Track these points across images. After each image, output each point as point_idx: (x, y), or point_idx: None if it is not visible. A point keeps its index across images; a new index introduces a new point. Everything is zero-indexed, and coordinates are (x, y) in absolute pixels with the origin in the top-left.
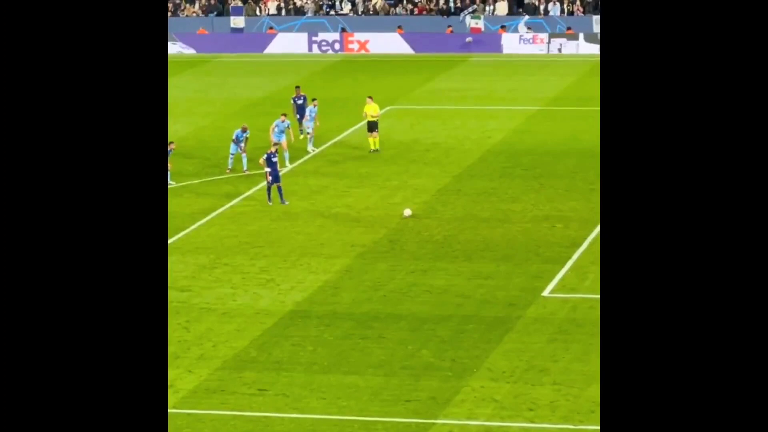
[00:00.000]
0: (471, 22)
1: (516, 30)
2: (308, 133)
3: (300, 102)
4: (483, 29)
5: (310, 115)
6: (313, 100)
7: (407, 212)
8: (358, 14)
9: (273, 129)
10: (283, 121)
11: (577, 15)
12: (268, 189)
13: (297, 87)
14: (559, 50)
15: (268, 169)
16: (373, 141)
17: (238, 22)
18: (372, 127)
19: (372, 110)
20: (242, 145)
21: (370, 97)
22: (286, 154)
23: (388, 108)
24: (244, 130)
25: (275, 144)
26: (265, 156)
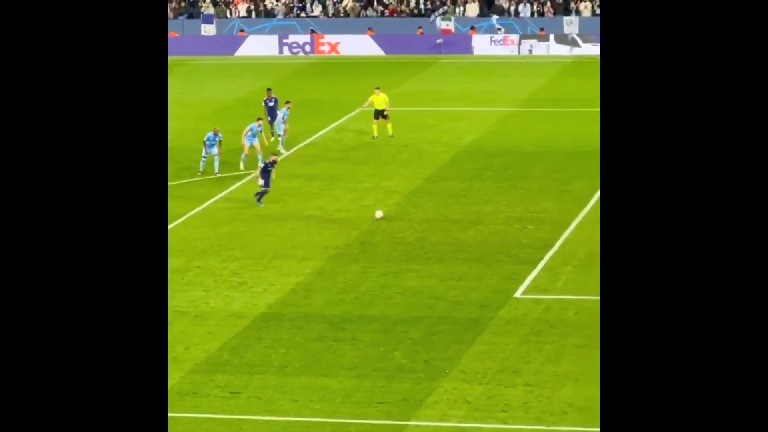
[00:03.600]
0: (441, 24)
1: (487, 31)
2: (279, 135)
3: (271, 104)
4: (453, 31)
5: (282, 118)
6: (287, 102)
7: (379, 214)
8: (328, 16)
9: (246, 132)
10: (258, 126)
11: (548, 16)
12: (261, 194)
13: (268, 89)
14: (530, 51)
15: (261, 181)
16: (377, 127)
17: (209, 30)
18: (378, 114)
19: (379, 102)
20: (215, 148)
21: (377, 88)
22: (259, 156)
23: (359, 110)
24: (215, 134)
25: (248, 147)
26: (262, 166)
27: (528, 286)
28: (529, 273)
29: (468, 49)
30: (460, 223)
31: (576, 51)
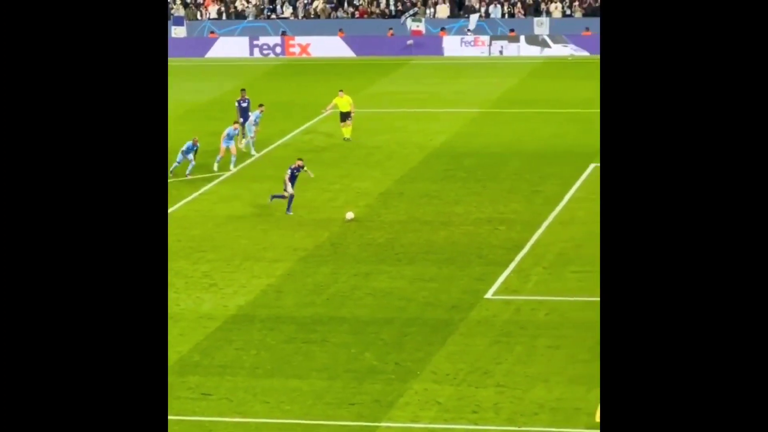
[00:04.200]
0: (412, 25)
1: (457, 32)
2: (250, 137)
3: (244, 105)
4: (424, 32)
5: (254, 120)
6: (260, 105)
7: (350, 215)
8: (299, 18)
9: (224, 136)
10: (235, 129)
11: (518, 17)
12: (290, 201)
13: (242, 90)
14: (501, 52)
15: (291, 189)
16: (346, 130)
17: (179, 31)
18: (344, 117)
19: (343, 104)
20: (191, 155)
21: (341, 91)
22: (233, 158)
23: (330, 111)
24: (194, 143)
25: (224, 149)
26: (289, 172)
27: (498, 287)
28: (499, 274)
29: (438, 50)
30: (431, 225)
31: (546, 52)
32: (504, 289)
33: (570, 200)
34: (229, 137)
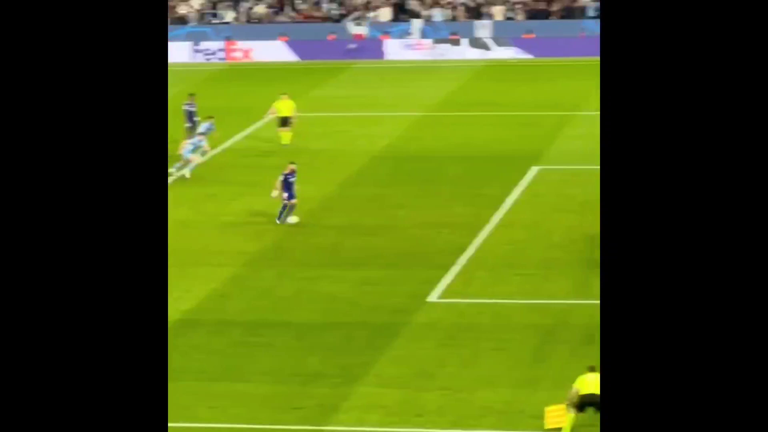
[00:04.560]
0: (354, 29)
1: (399, 36)
2: (198, 146)
3: (192, 109)
4: (366, 36)
5: (207, 129)
6: (210, 117)
7: (292, 219)
8: (241, 22)
9: (187, 145)
10: (200, 140)
11: (461, 20)
12: (284, 209)
13: (191, 95)
14: (443, 56)
15: (285, 194)
16: (285, 135)
17: None
18: (284, 122)
19: (284, 109)
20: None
21: (284, 94)
22: (191, 166)
23: (272, 116)
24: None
25: (184, 161)
26: (282, 178)
27: (443, 291)
28: (443, 277)
29: (381, 54)
30: (375, 228)
31: (488, 55)
32: (448, 292)
33: (512, 203)
34: (194, 147)
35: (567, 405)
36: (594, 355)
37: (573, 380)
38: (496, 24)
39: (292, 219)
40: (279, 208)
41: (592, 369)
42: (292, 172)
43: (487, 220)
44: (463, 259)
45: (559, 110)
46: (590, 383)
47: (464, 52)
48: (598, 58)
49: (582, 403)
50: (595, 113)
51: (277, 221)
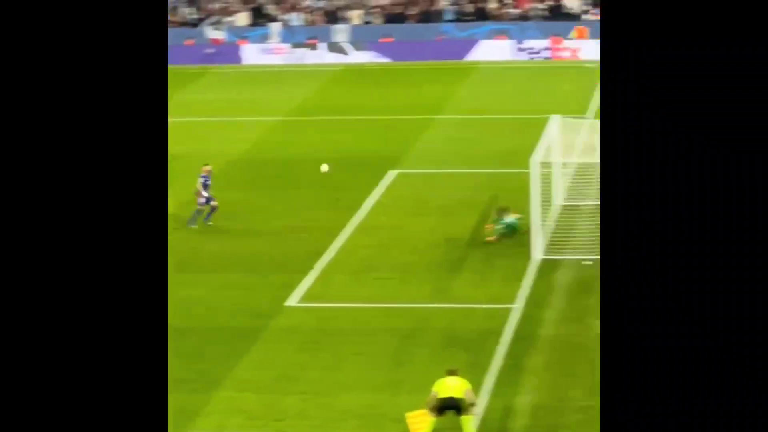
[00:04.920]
0: (212, 34)
1: (257, 40)
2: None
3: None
4: (224, 40)
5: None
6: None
7: (324, 167)
8: None
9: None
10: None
11: (319, 25)
12: (199, 211)
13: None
14: (301, 60)
15: (206, 195)
16: None
17: None
18: None
19: None
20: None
21: None
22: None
23: None
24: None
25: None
26: (201, 180)
27: (302, 295)
28: (302, 281)
29: (238, 58)
30: (234, 233)
31: (346, 59)
32: (307, 296)
33: (371, 207)
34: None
35: (427, 409)
36: (454, 358)
37: (433, 384)
38: (354, 28)
39: (196, 224)
40: (194, 211)
41: (451, 372)
42: (209, 173)
43: (345, 224)
44: (322, 263)
45: (417, 114)
46: (450, 387)
47: (322, 56)
48: (456, 62)
49: (442, 407)
50: (453, 116)
51: (200, 222)
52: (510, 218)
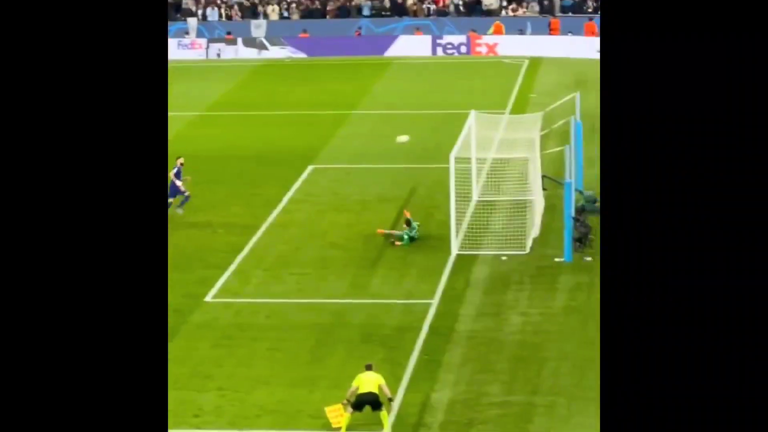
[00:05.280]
0: None
1: (174, 35)
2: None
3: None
4: None
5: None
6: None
7: (403, 138)
8: None
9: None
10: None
11: (236, 20)
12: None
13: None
14: (218, 55)
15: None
16: None
17: None
18: None
19: None
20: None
21: None
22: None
23: None
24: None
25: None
26: (175, 170)
27: (219, 290)
28: (220, 277)
29: None
30: None
31: (264, 54)
32: (225, 291)
33: (288, 202)
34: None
35: (344, 404)
36: (371, 354)
37: (351, 379)
38: (271, 23)
39: (180, 210)
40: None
41: (368, 367)
42: (181, 166)
43: (263, 220)
44: (239, 259)
45: (334, 109)
46: (368, 381)
47: (240, 51)
48: (374, 57)
49: (359, 402)
50: (371, 112)
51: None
52: (411, 229)
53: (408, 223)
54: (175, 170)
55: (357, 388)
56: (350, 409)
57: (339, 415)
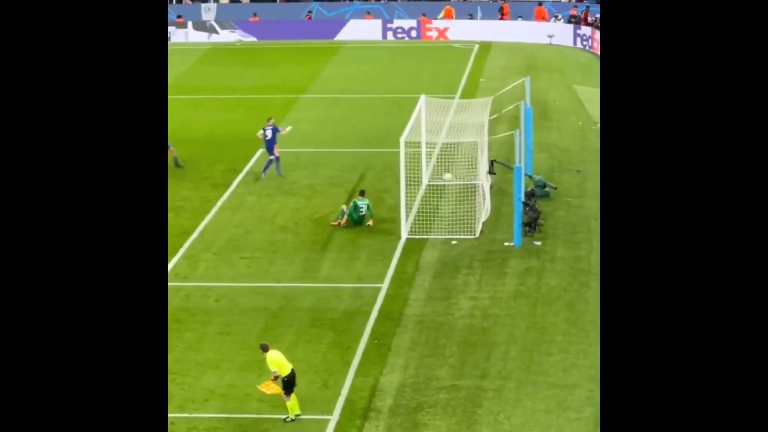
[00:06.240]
0: None
1: None
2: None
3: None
4: None
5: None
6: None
7: (448, 176)
8: None
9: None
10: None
11: (186, 3)
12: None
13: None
14: (169, 39)
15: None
16: None
17: None
18: None
19: None
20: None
21: None
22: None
23: None
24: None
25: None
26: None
27: (169, 275)
28: (169, 261)
29: None
30: None
31: (214, 38)
32: (174, 275)
33: (238, 186)
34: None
35: (272, 379)
36: (320, 338)
37: (299, 362)
38: (221, 7)
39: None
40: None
41: (265, 348)
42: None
43: (213, 203)
44: (189, 242)
45: (283, 93)
46: (284, 363)
47: (190, 35)
48: (325, 41)
49: (291, 383)
50: (321, 96)
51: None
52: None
53: (362, 193)
54: (270, 129)
55: (279, 372)
56: (286, 393)
57: (273, 386)
